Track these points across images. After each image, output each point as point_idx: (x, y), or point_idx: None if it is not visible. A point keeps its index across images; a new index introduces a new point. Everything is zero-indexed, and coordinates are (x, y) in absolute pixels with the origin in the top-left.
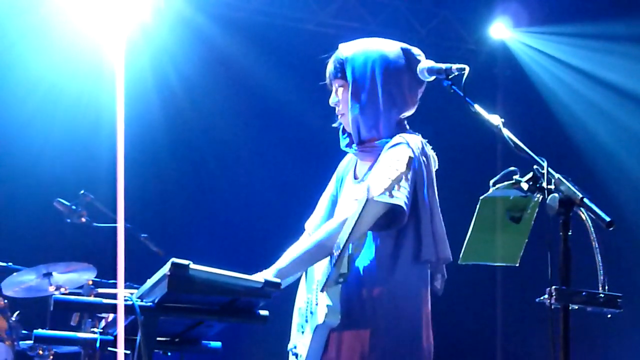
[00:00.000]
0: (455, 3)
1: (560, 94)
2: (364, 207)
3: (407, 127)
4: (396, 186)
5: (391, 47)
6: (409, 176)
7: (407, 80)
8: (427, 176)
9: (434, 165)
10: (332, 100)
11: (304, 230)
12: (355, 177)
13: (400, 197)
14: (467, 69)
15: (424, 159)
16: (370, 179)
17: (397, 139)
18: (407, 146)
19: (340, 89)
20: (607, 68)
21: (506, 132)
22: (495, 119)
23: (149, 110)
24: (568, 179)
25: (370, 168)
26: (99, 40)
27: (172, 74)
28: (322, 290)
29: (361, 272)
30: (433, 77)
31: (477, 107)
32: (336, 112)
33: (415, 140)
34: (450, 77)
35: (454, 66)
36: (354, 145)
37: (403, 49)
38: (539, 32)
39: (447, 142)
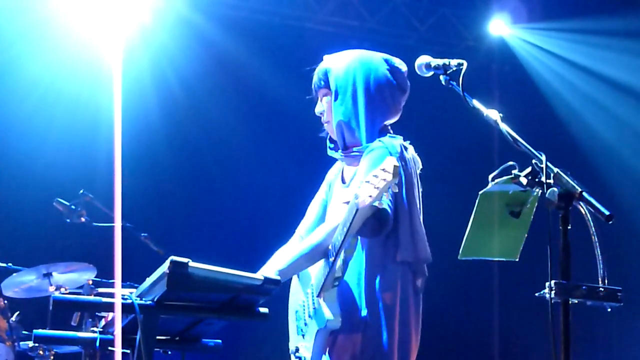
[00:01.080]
0: (454, 0)
1: (559, 89)
2: (354, 216)
3: (391, 132)
4: (385, 194)
5: (373, 57)
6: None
7: (388, 88)
8: (405, 179)
9: (417, 166)
10: (317, 110)
11: (296, 233)
12: (343, 182)
13: (385, 201)
14: (465, 64)
15: (402, 161)
16: (358, 189)
17: (375, 143)
18: (382, 150)
19: (325, 98)
20: (605, 63)
21: (504, 127)
22: (494, 114)
23: (147, 110)
24: (567, 173)
25: (354, 174)
26: (97, 41)
27: (171, 73)
28: (318, 295)
29: (352, 275)
30: (431, 73)
31: (475, 102)
32: (322, 121)
33: (394, 144)
34: (448, 72)
35: (452, 61)
36: (339, 151)
37: (385, 59)
38: (537, 28)
39: (445, 137)
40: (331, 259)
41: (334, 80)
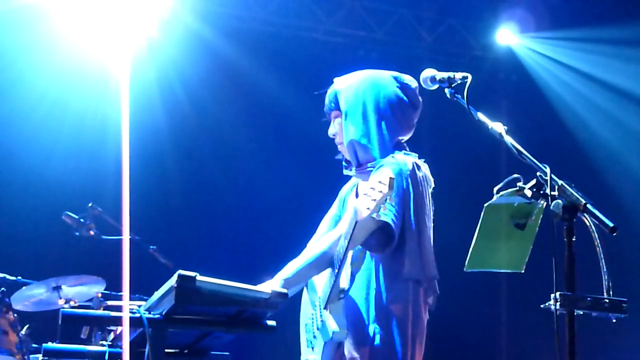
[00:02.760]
0: (461, 10)
1: (567, 98)
2: (354, 228)
3: (406, 148)
4: (382, 207)
5: (382, 76)
6: (393, 196)
7: (399, 105)
8: (414, 197)
9: (429, 185)
10: (330, 132)
11: (306, 247)
12: (357, 196)
13: (388, 215)
14: (470, 77)
15: (413, 180)
16: (357, 202)
17: (388, 159)
18: (393, 166)
19: (337, 120)
20: (613, 72)
21: (509, 140)
22: (498, 127)
23: (155, 122)
24: (571, 185)
25: None
26: (104, 53)
27: (178, 86)
28: (325, 308)
29: (361, 288)
30: (436, 86)
31: (480, 115)
32: (335, 142)
33: (407, 161)
34: (453, 85)
35: (457, 74)
36: (353, 169)
37: (394, 77)
38: (545, 38)
39: (451, 150)
40: (335, 271)
41: (344, 101)
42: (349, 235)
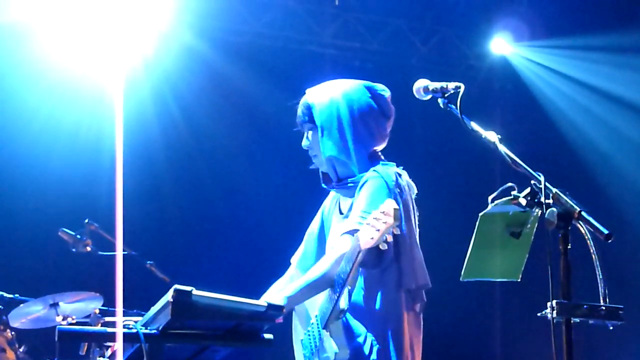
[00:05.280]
0: (455, 20)
1: (562, 106)
2: (357, 256)
3: (382, 158)
4: (387, 236)
5: (354, 86)
6: (397, 225)
7: (372, 116)
8: (403, 208)
9: (412, 192)
10: (304, 144)
11: (292, 263)
12: (341, 212)
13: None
14: (463, 87)
15: (398, 190)
16: (361, 231)
17: (370, 173)
18: (382, 180)
19: (310, 132)
20: (607, 79)
21: (502, 148)
22: (492, 136)
23: (149, 137)
24: (566, 192)
25: (352, 205)
26: (98, 68)
27: (172, 101)
28: (324, 327)
29: (356, 305)
30: (429, 96)
31: (474, 125)
32: (310, 155)
33: (389, 172)
34: (446, 95)
35: (450, 84)
36: (333, 183)
37: (366, 87)
38: (539, 46)
39: (445, 159)
40: (335, 295)
41: (318, 115)
42: (352, 263)
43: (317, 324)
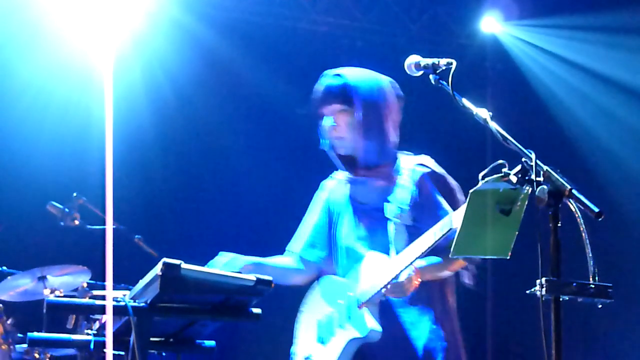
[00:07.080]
0: None
1: (551, 86)
2: (446, 233)
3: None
4: None
5: (386, 80)
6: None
7: (397, 111)
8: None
9: None
10: (327, 123)
11: (287, 251)
12: (361, 202)
13: None
14: (455, 63)
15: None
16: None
17: (407, 164)
18: (423, 169)
19: (342, 114)
20: (597, 59)
21: (494, 125)
22: (483, 112)
23: (139, 112)
24: (556, 170)
25: (387, 191)
26: (88, 43)
27: (162, 76)
28: (359, 307)
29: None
30: (421, 72)
31: (465, 101)
32: (330, 135)
33: (422, 161)
34: (438, 71)
35: (442, 61)
36: (358, 170)
37: (391, 83)
38: (529, 25)
39: (436, 136)
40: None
41: (362, 98)
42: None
43: (347, 304)
